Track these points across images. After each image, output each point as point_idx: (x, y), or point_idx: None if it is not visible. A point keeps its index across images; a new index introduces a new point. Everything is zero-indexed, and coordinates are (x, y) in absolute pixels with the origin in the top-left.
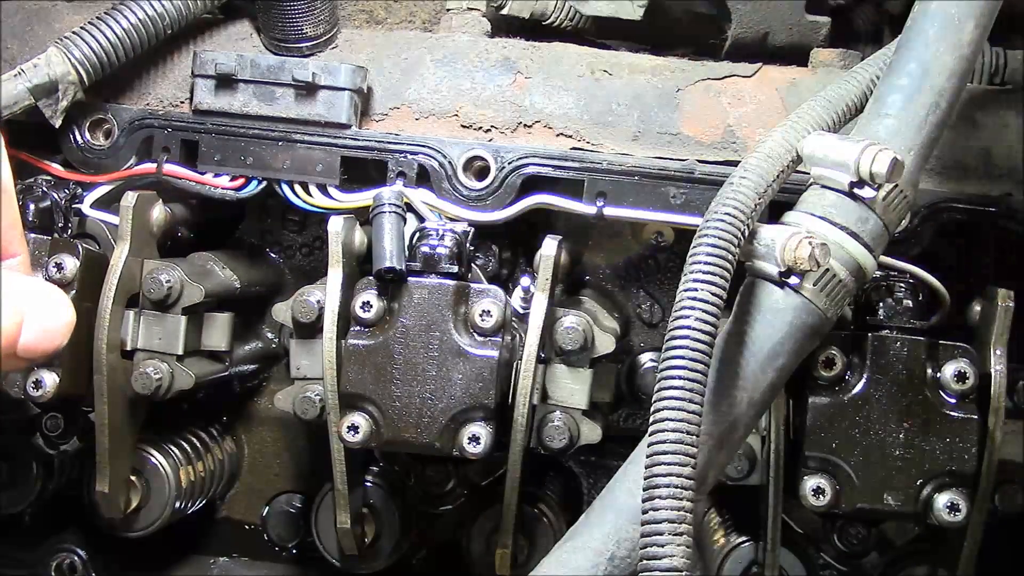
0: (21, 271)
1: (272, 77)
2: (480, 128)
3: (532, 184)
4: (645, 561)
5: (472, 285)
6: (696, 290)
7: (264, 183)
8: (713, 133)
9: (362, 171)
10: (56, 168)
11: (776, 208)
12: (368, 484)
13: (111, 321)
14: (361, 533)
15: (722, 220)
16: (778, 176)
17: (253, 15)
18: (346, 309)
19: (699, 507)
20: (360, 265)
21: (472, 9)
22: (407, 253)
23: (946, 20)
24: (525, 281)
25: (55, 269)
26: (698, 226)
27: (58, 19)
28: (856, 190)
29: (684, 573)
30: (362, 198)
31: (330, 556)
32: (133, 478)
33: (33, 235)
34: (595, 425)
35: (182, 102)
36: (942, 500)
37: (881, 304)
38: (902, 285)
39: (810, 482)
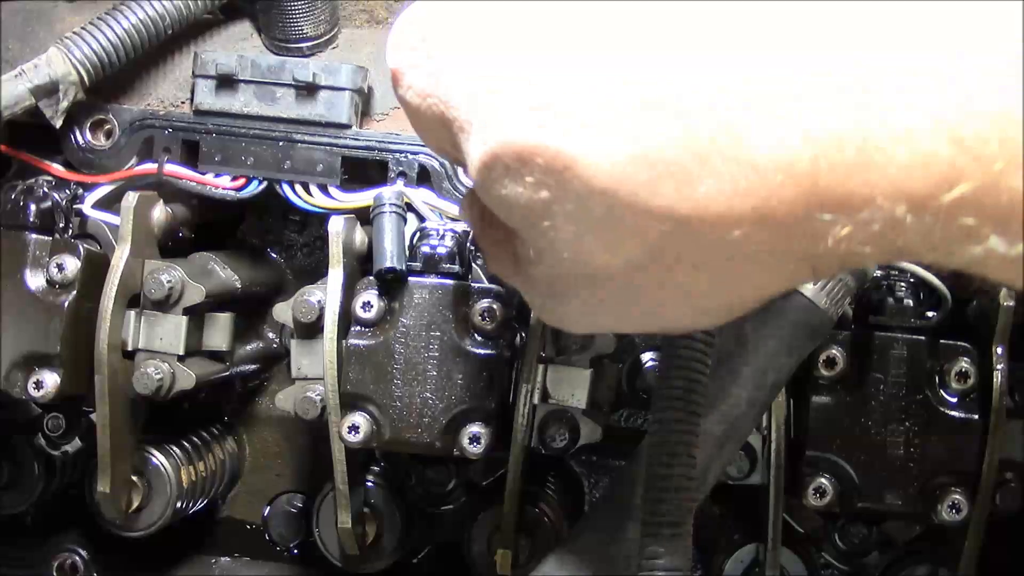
0: None
1: (273, 77)
2: None
3: None
4: (645, 561)
5: (473, 285)
6: None
7: (265, 183)
8: None
9: (362, 171)
10: (57, 168)
11: None
12: (369, 484)
13: (112, 321)
14: (362, 533)
15: None
16: None
17: (253, 15)
18: (347, 309)
19: (699, 507)
20: (361, 265)
21: None
22: (408, 253)
23: None
24: None
25: (56, 270)
26: None
27: (58, 20)
28: None
29: (684, 573)
30: (362, 198)
31: (331, 556)
32: (134, 478)
33: (34, 235)
34: (596, 425)
35: (183, 102)
36: (943, 499)
37: (882, 303)
38: (903, 284)
39: (811, 482)
